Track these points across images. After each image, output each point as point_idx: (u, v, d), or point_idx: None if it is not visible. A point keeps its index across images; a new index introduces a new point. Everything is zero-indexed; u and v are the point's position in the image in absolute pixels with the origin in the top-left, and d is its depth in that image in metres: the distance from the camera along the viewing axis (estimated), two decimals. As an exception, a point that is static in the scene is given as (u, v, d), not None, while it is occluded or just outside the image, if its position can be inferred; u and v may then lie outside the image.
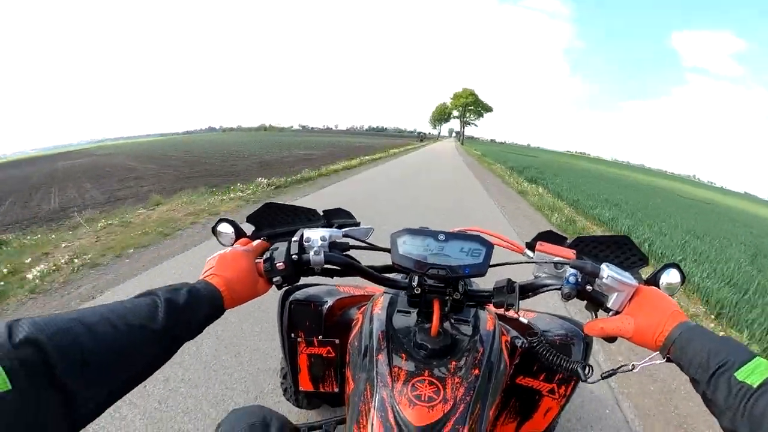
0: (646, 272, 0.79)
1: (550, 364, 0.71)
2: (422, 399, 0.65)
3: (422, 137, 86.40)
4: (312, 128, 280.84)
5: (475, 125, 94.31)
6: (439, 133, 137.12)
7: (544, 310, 1.18)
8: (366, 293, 1.25)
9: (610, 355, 2.55)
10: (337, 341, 1.16)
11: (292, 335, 1.17)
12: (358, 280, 0.91)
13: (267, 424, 0.82)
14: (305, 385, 1.24)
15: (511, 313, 0.74)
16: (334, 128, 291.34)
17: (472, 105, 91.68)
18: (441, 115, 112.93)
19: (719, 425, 0.49)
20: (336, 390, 1.25)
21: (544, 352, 0.72)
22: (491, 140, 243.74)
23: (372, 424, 0.64)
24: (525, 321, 0.80)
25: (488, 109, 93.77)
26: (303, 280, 0.82)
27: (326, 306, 1.15)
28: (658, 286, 0.71)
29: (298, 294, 1.18)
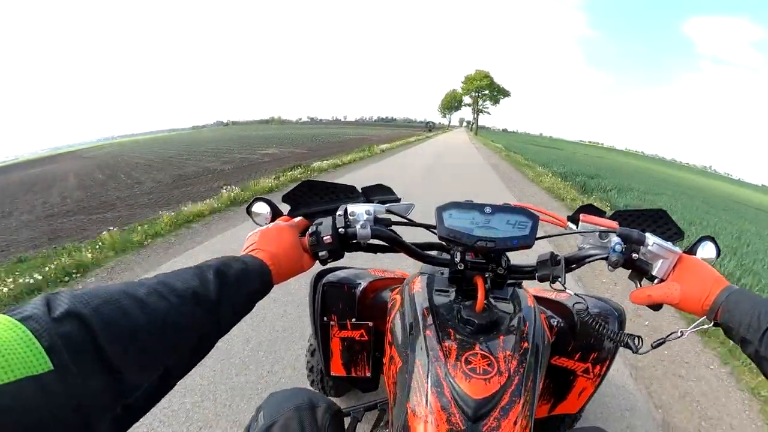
0: (681, 247, 0.75)
1: (601, 336, 0.71)
2: (477, 372, 0.64)
3: (431, 127, 76.74)
4: (320, 120, 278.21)
5: (489, 113, 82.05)
6: (449, 122, 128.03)
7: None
8: (396, 276, 1.23)
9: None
10: (370, 324, 1.13)
11: (325, 319, 1.13)
12: (385, 264, 0.99)
13: (313, 406, 0.79)
14: (337, 369, 1.20)
15: (556, 286, 0.72)
16: (342, 119, 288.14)
17: (486, 89, 77.01)
18: (451, 103, 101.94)
19: None
20: (368, 374, 1.21)
21: (595, 325, 0.71)
22: (503, 129, 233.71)
23: (427, 400, 0.62)
24: (572, 293, 0.78)
25: (505, 94, 78.07)
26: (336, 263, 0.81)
27: (360, 288, 1.13)
28: None
29: (330, 276, 1.15)
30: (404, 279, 1.04)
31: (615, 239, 0.70)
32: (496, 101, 78.37)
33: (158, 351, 0.41)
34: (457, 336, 0.71)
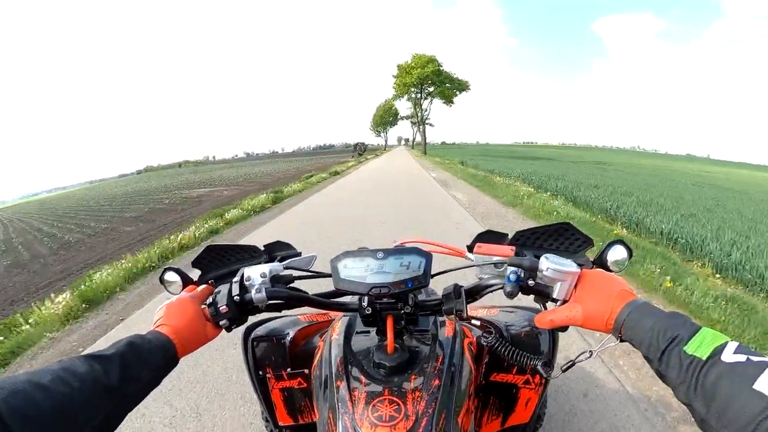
0: (592, 254, 0.75)
1: (513, 362, 0.72)
2: (383, 419, 0.62)
3: (362, 149, 50.72)
4: (257, 154, 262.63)
5: (431, 124, 52.85)
6: (386, 141, 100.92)
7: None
8: (328, 318, 1.19)
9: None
10: (306, 371, 1.08)
11: (260, 372, 1.09)
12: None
13: None
14: (284, 419, 1.14)
15: (474, 313, 0.71)
16: (280, 152, 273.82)
17: (432, 81, 44.32)
18: (384, 117, 77.75)
19: (677, 398, 0.49)
20: (315, 420, 1.12)
21: (504, 351, 0.72)
22: (441, 143, 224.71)
23: None
24: (477, 323, 0.76)
25: (462, 87, 45.18)
26: (264, 315, 0.83)
27: (288, 338, 1.08)
28: (605, 264, 0.70)
29: (259, 330, 1.10)
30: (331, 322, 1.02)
31: (510, 268, 0.68)
32: (449, 99, 45.34)
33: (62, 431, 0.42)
34: (369, 382, 0.69)
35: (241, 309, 0.73)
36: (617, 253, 0.69)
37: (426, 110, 47.89)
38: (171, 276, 0.79)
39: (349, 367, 0.73)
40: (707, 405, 0.42)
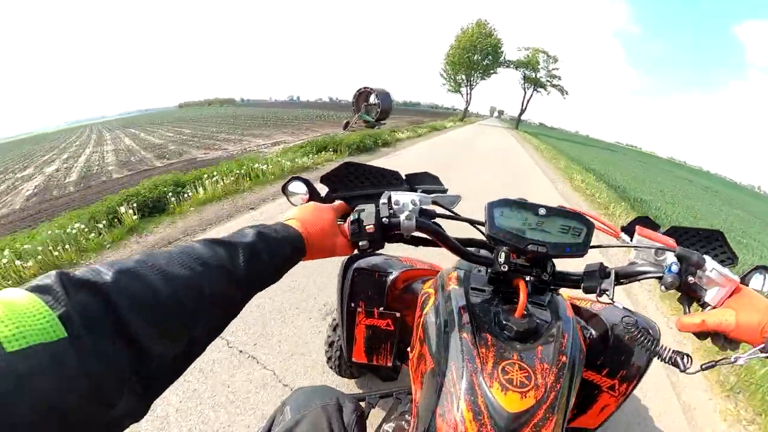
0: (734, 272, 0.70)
1: (649, 351, 0.67)
2: (514, 384, 0.58)
3: (374, 114, 15.78)
4: (340, 100, 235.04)
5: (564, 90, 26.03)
6: (468, 104, 43.77)
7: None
8: (429, 268, 1.12)
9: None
10: (397, 314, 1.05)
11: (352, 304, 1.07)
12: (419, 255, 0.80)
13: (340, 407, 0.75)
14: (359, 356, 1.13)
15: (603, 299, 0.69)
16: (333, 100, 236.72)
17: None
18: (470, 57, 36.80)
19: None
20: (389, 364, 1.15)
21: (643, 339, 0.66)
22: (540, 123, 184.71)
23: (458, 408, 0.57)
24: (620, 306, 0.71)
25: None
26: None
27: (391, 277, 1.04)
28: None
29: (362, 262, 1.06)
30: (437, 272, 0.96)
31: (671, 259, 0.63)
32: None
33: (185, 320, 0.38)
34: (494, 342, 0.64)
35: (385, 233, 0.67)
36: (760, 282, 0.66)
37: None
38: (296, 186, 0.74)
39: (474, 320, 0.67)
40: None
